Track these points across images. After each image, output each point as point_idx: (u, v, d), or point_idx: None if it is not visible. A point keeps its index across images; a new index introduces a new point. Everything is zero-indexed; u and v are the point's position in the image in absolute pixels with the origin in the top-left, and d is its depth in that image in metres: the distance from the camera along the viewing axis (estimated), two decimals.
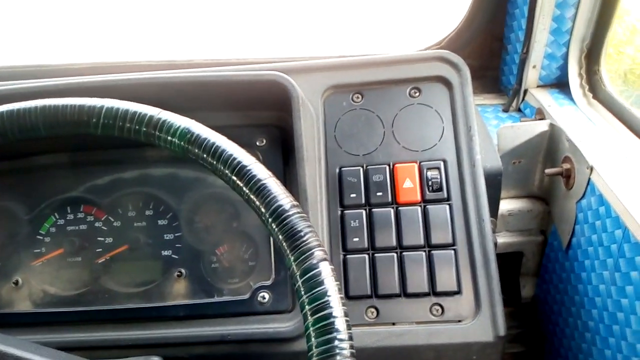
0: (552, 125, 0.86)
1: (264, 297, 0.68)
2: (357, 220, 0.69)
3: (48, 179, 0.78)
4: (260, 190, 0.48)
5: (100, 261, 0.74)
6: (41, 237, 0.76)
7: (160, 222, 0.75)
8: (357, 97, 0.75)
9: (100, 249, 0.74)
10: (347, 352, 0.42)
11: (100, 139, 0.55)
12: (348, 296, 0.66)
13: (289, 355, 0.64)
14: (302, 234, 0.46)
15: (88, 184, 0.78)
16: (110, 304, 0.71)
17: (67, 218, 0.76)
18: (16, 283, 0.73)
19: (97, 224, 0.76)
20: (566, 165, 0.82)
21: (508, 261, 1.00)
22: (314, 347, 0.42)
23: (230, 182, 0.49)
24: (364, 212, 0.70)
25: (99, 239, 0.75)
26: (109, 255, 0.74)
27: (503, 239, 0.94)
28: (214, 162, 0.50)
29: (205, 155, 0.50)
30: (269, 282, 0.69)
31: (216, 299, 0.70)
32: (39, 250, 0.75)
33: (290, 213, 0.47)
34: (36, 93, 0.71)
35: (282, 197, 0.47)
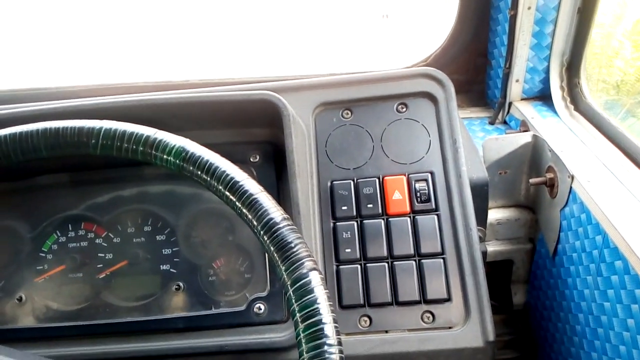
0: (535, 137, 0.89)
1: (259, 308, 0.70)
2: (348, 232, 0.71)
3: (50, 198, 0.81)
4: (252, 204, 0.50)
5: (101, 276, 0.76)
6: (44, 255, 0.78)
7: (158, 237, 0.77)
8: (347, 114, 0.78)
9: (101, 265, 0.77)
10: (335, 357, 0.44)
11: (99, 159, 0.58)
12: (341, 305, 0.68)
13: None
14: (292, 245, 0.48)
15: (88, 202, 0.80)
16: (111, 317, 0.73)
17: (69, 235, 0.79)
18: (20, 299, 0.75)
19: (97, 241, 0.78)
20: (549, 175, 0.85)
21: (499, 269, 1.02)
22: (304, 353, 0.45)
23: (224, 197, 0.52)
24: (355, 223, 0.72)
25: (100, 255, 0.77)
26: (110, 271, 0.76)
27: (493, 247, 0.96)
28: (208, 179, 0.52)
29: (199, 172, 0.53)
30: (264, 294, 0.71)
31: (213, 311, 0.72)
32: (41, 267, 0.77)
33: (281, 225, 0.49)
34: (37, 116, 0.73)
35: (273, 210, 0.50)
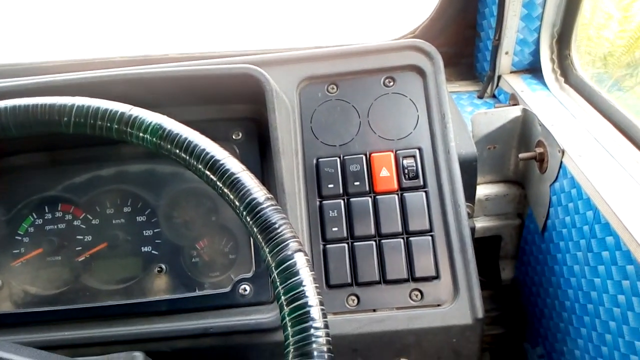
0: (524, 111, 0.87)
1: (245, 290, 0.68)
2: (335, 210, 0.70)
3: (25, 179, 0.78)
4: (234, 184, 0.48)
5: (80, 259, 0.74)
6: (20, 238, 0.75)
7: (138, 218, 0.75)
8: (332, 88, 0.76)
9: (80, 247, 0.75)
10: (322, 340, 0.43)
11: (75, 137, 0.55)
12: (329, 285, 0.67)
13: (271, 346, 0.65)
14: (276, 225, 0.46)
15: (65, 183, 0.78)
16: (92, 301, 0.72)
17: (46, 217, 0.76)
18: None
19: (75, 223, 0.76)
20: (539, 150, 0.83)
21: (487, 245, 1.01)
22: (290, 337, 0.43)
23: (204, 176, 0.50)
24: (342, 202, 0.70)
25: (78, 237, 0.75)
26: (89, 253, 0.74)
27: (481, 223, 0.95)
28: (187, 157, 0.50)
29: (177, 151, 0.50)
30: (249, 275, 0.70)
31: (197, 293, 0.71)
32: (18, 251, 0.75)
33: (264, 206, 0.47)
34: (5, 93, 0.70)
35: (256, 190, 0.48)
